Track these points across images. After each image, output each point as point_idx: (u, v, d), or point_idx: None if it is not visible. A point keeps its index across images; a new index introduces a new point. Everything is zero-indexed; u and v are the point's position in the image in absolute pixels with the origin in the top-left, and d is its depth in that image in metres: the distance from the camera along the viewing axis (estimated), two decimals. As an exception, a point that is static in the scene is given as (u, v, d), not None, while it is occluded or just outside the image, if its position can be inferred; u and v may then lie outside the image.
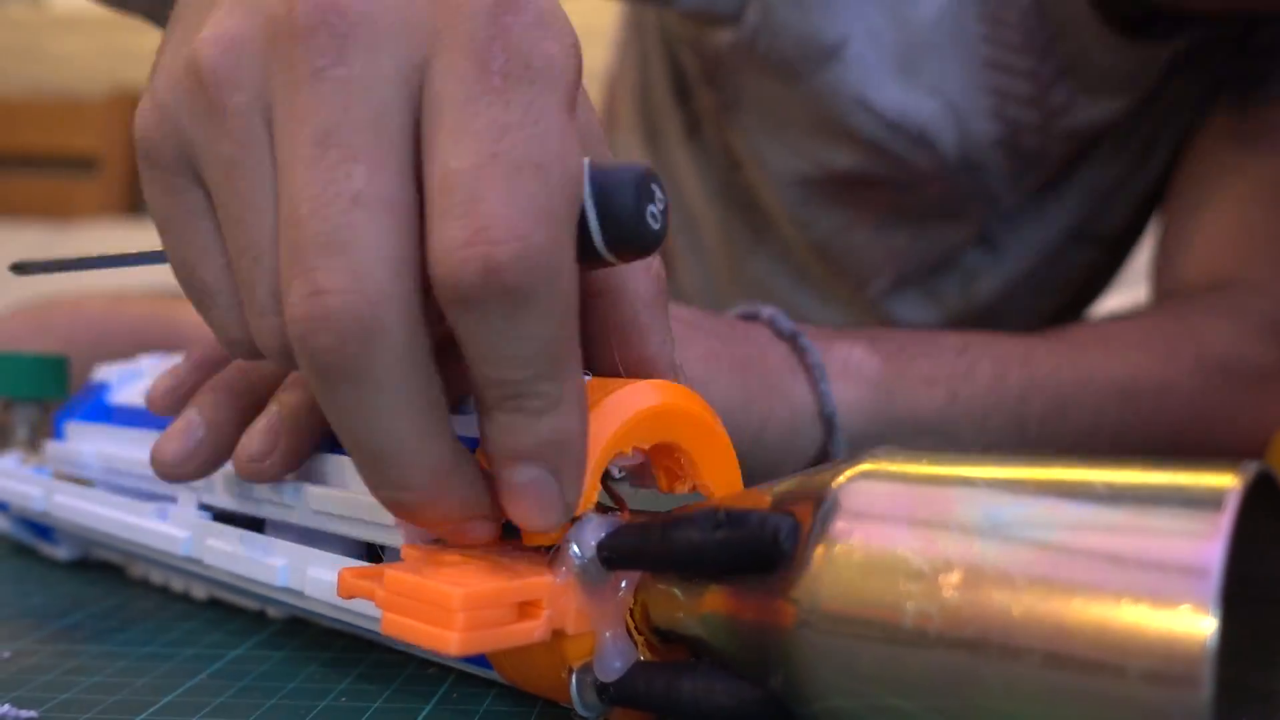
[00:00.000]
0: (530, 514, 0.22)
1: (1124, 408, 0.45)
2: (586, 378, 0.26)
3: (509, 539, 0.25)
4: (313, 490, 0.28)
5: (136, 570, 0.39)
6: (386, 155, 0.20)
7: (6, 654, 0.31)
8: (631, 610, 0.24)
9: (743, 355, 0.36)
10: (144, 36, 2.16)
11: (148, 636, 0.32)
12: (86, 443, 0.38)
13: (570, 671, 0.24)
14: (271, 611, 0.34)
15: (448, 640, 0.21)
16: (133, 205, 2.11)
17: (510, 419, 0.21)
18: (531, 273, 0.19)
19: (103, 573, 0.39)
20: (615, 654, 0.24)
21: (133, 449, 0.35)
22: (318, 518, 0.28)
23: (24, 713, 0.26)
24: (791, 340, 0.38)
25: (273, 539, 0.29)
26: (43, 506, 0.37)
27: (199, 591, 0.36)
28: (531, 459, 0.22)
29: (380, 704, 0.27)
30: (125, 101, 2.11)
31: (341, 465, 0.28)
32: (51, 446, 0.40)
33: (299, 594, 0.28)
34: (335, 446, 0.28)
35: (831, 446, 0.37)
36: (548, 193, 0.20)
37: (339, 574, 0.24)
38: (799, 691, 0.20)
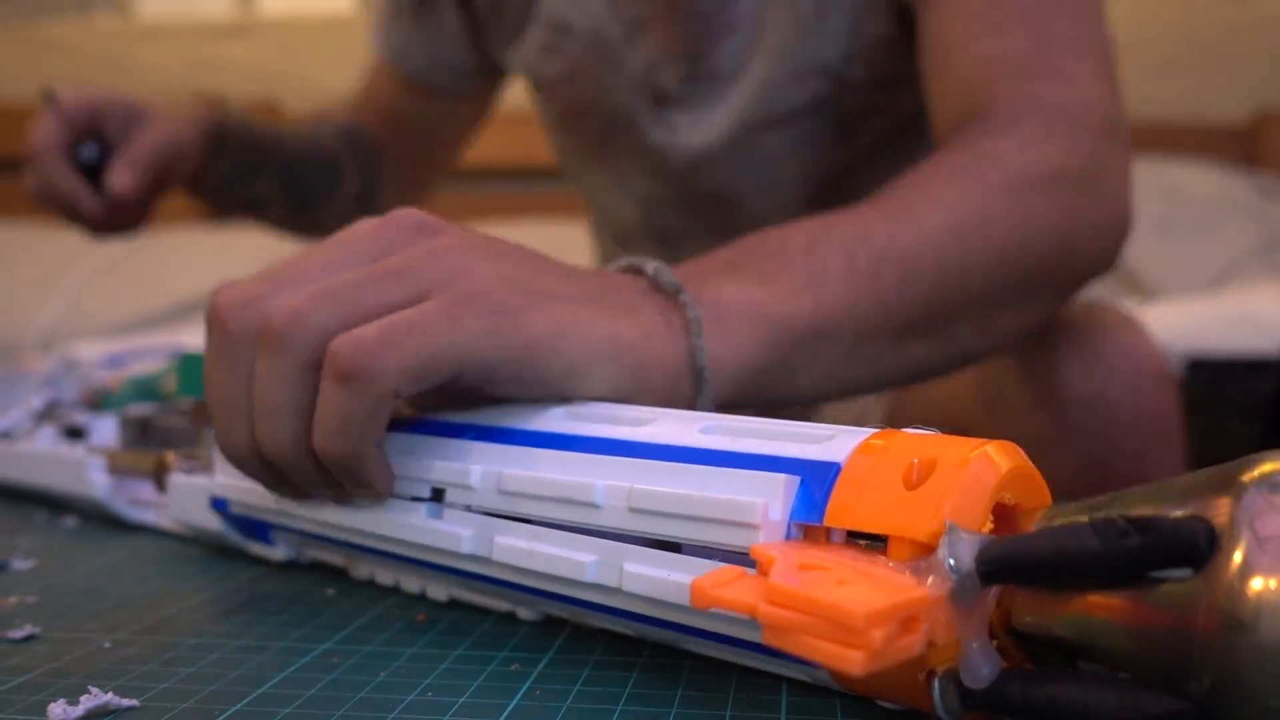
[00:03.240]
0: None
1: (962, 248, 0.46)
2: (930, 432, 0.27)
3: (856, 541, 0.25)
4: (639, 489, 0.27)
5: (361, 570, 0.39)
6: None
7: (107, 644, 0.32)
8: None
9: (623, 303, 0.37)
10: (227, 47, 2.19)
11: (241, 629, 0.34)
12: None
13: (933, 677, 0.24)
14: (522, 613, 0.34)
15: (851, 659, 0.21)
16: (212, 211, 2.13)
17: None
18: None
19: (208, 575, 0.40)
20: (983, 661, 0.23)
21: None
22: (636, 517, 0.28)
23: (125, 701, 0.27)
24: (672, 294, 0.39)
25: (575, 535, 0.29)
26: (279, 504, 0.37)
27: (437, 592, 0.36)
28: None
29: (465, 699, 0.28)
30: (206, 110, 2.14)
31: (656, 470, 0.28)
32: None
33: (613, 591, 0.28)
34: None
35: (698, 401, 0.38)
36: None
37: (692, 585, 0.24)
38: (1230, 697, 0.20)
